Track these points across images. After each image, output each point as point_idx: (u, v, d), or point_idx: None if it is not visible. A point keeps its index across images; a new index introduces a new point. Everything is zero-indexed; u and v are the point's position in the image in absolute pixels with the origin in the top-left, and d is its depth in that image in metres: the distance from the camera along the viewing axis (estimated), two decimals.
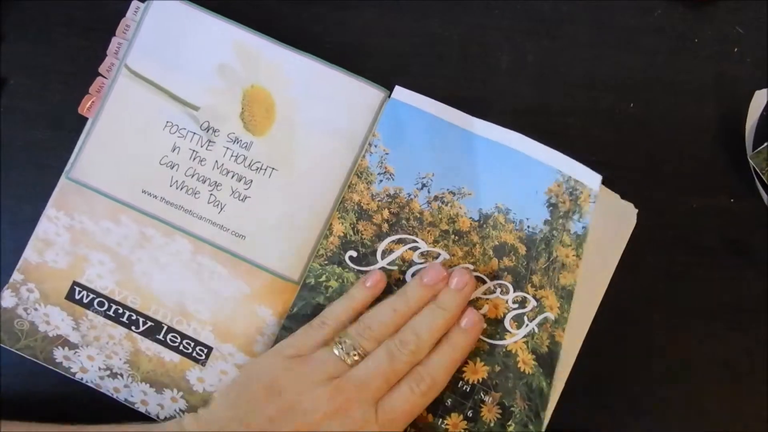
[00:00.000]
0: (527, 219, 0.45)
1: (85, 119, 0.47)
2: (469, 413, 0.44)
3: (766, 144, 0.47)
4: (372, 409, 0.40)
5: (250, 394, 0.41)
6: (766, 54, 0.49)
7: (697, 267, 0.48)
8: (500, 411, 0.44)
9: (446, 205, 0.45)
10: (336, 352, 0.42)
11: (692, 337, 0.47)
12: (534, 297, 0.44)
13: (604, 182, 0.46)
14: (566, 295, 0.44)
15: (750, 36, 0.50)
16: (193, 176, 0.46)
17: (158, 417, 0.45)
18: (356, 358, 0.42)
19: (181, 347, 0.46)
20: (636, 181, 0.48)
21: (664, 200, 0.48)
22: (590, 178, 0.45)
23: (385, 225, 0.45)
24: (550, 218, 0.45)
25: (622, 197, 0.47)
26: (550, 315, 0.44)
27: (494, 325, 0.44)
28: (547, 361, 0.44)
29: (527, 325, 0.44)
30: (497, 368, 0.44)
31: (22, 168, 0.48)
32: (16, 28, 0.49)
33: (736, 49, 0.50)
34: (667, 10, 0.49)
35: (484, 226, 0.45)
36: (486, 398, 0.44)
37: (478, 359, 0.44)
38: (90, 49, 0.48)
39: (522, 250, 0.45)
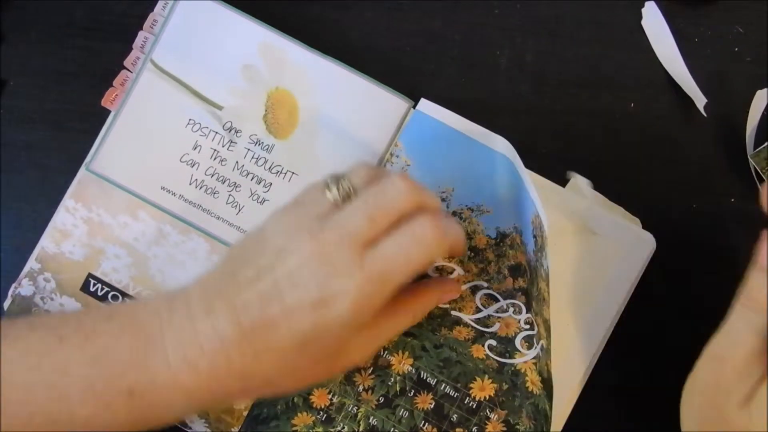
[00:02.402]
0: (528, 243, 0.45)
1: (85, 118, 0.47)
2: (474, 429, 0.44)
3: (766, 144, 0.46)
4: (355, 255, 0.36)
5: (243, 247, 0.38)
6: (766, 54, 0.49)
7: (697, 267, 0.48)
8: (505, 428, 0.44)
9: (464, 221, 0.45)
10: (325, 192, 0.38)
11: (692, 337, 0.47)
12: (535, 322, 0.44)
13: (620, 197, 0.46)
14: (548, 329, 0.44)
15: (750, 36, 0.49)
16: (213, 176, 0.46)
17: None
18: (345, 195, 0.38)
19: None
20: (636, 182, 0.48)
21: (664, 200, 0.48)
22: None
23: None
24: (535, 248, 0.45)
25: (622, 197, 0.46)
26: (543, 343, 0.44)
27: (505, 344, 0.44)
28: (549, 386, 0.44)
29: (535, 347, 0.44)
30: (505, 386, 0.44)
31: (23, 169, 0.48)
32: (16, 29, 0.49)
33: (736, 49, 0.49)
34: (667, 10, 0.49)
35: (501, 244, 0.45)
36: (491, 415, 0.44)
37: (486, 376, 0.44)
38: (90, 50, 0.48)
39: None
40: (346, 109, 0.46)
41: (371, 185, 0.38)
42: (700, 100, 0.47)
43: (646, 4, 0.48)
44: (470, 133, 0.46)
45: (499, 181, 0.45)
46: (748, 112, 0.48)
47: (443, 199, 0.45)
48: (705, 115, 0.48)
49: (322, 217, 0.37)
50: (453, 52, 0.49)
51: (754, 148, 0.48)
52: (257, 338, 0.36)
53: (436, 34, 0.49)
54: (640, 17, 0.49)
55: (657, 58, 0.49)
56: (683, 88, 0.48)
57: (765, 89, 0.48)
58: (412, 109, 0.46)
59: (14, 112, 0.49)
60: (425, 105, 0.46)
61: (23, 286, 0.46)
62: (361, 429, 0.44)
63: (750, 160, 0.47)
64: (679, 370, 0.44)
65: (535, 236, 0.44)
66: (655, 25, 0.48)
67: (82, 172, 0.47)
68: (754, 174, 0.48)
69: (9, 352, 0.35)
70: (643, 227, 0.46)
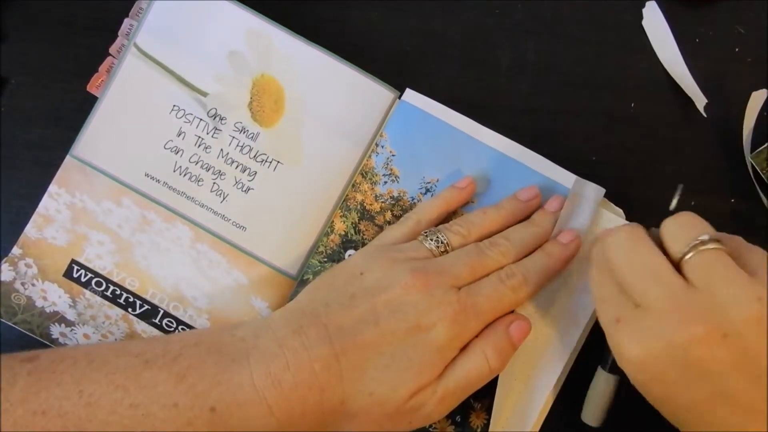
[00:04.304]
0: None
1: (85, 117, 0.46)
2: (458, 418, 0.44)
3: (766, 144, 0.47)
4: (453, 290, 0.40)
5: (333, 279, 0.41)
6: (767, 54, 0.49)
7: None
8: (487, 417, 0.44)
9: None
10: (423, 243, 0.42)
11: None
12: None
13: (620, 197, 0.46)
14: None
15: (751, 36, 0.49)
16: (197, 163, 0.46)
17: None
18: (443, 250, 0.42)
19: (176, 333, 0.46)
20: (636, 181, 0.48)
21: (664, 200, 0.48)
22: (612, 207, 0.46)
23: (387, 227, 0.45)
24: None
25: (622, 197, 0.46)
26: None
27: None
28: None
29: None
30: None
31: (23, 167, 0.48)
32: (17, 28, 0.48)
33: (737, 49, 0.49)
34: (668, 11, 0.49)
35: None
36: (475, 404, 0.45)
37: None
38: (91, 48, 0.47)
39: None
40: (333, 98, 0.46)
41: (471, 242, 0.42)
42: (700, 101, 0.47)
43: (647, 4, 0.49)
44: (456, 124, 0.46)
45: (484, 172, 0.46)
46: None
47: (428, 190, 0.46)
48: (705, 115, 0.48)
49: (419, 260, 0.40)
50: (453, 51, 0.49)
51: (752, 149, 0.48)
52: (346, 357, 0.38)
53: (436, 33, 0.49)
54: (641, 17, 0.49)
55: (658, 59, 0.49)
56: (684, 88, 0.48)
57: (761, 90, 0.48)
58: (397, 99, 0.46)
59: (15, 111, 0.48)
60: (411, 95, 0.46)
61: (3, 271, 0.46)
62: None
63: (750, 160, 0.48)
64: None
65: None
66: (655, 25, 0.49)
67: (66, 158, 0.46)
68: (752, 175, 0.48)
69: (94, 374, 0.37)
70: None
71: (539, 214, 0.45)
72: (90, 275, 0.46)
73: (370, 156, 0.46)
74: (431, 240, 0.42)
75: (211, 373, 0.37)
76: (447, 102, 0.46)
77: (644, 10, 0.49)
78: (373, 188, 0.46)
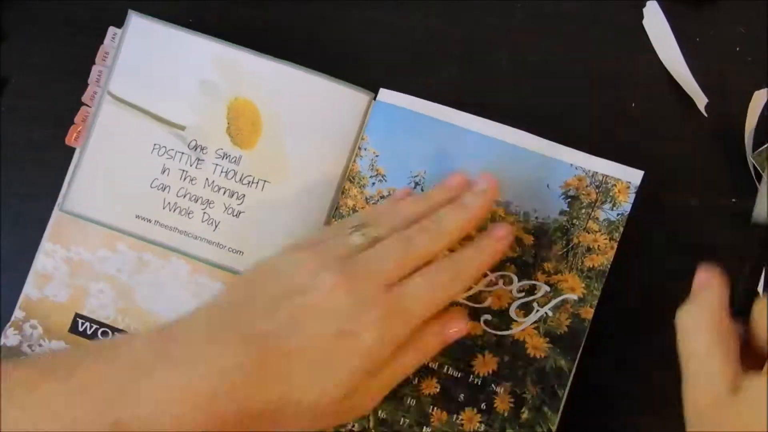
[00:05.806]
0: (535, 210, 0.45)
1: None
2: (483, 406, 0.44)
3: (767, 144, 0.46)
4: (381, 291, 0.37)
5: (253, 277, 0.39)
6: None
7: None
8: (513, 400, 0.44)
9: None
10: (350, 237, 0.39)
11: None
12: (547, 283, 0.44)
13: None
14: (595, 275, 0.44)
15: (752, 35, 0.49)
16: (184, 196, 0.46)
17: None
18: (366, 243, 0.39)
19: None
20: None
21: (664, 200, 0.48)
22: (627, 174, 0.45)
23: None
24: (568, 209, 0.45)
25: None
26: (571, 296, 0.44)
27: (499, 317, 0.44)
28: (568, 340, 0.44)
29: (538, 311, 0.44)
30: (506, 358, 0.44)
31: (24, 167, 0.48)
32: (17, 27, 0.49)
33: (737, 49, 0.49)
34: (669, 10, 0.49)
35: None
36: (498, 389, 0.44)
37: (487, 351, 0.44)
38: (92, 48, 0.47)
39: (528, 239, 0.45)
40: (308, 109, 0.46)
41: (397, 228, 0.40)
42: (701, 100, 0.48)
43: (648, 3, 0.49)
44: (434, 114, 0.46)
45: (470, 158, 0.46)
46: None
47: (417, 183, 0.46)
48: (706, 114, 0.48)
49: (346, 257, 0.38)
50: (453, 51, 0.49)
51: (753, 148, 0.48)
52: (269, 366, 0.35)
53: (437, 33, 0.49)
54: (642, 17, 0.49)
55: (658, 58, 0.49)
56: (684, 87, 0.48)
57: (763, 89, 0.48)
58: (373, 100, 0.47)
59: (16, 110, 0.48)
60: (386, 95, 0.46)
61: (8, 337, 0.46)
62: (371, 425, 0.44)
63: (750, 160, 0.47)
64: (678, 369, 0.44)
65: (572, 196, 0.45)
66: (656, 24, 0.49)
67: (55, 212, 0.46)
68: (753, 174, 0.48)
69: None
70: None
71: (467, 195, 0.41)
72: (95, 326, 0.46)
73: (354, 160, 0.46)
74: (357, 233, 0.39)
75: (112, 387, 0.34)
76: (447, 102, 0.46)
77: (645, 10, 0.49)
78: (362, 191, 0.46)
